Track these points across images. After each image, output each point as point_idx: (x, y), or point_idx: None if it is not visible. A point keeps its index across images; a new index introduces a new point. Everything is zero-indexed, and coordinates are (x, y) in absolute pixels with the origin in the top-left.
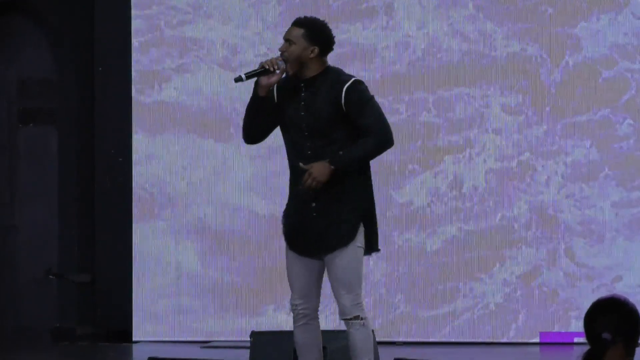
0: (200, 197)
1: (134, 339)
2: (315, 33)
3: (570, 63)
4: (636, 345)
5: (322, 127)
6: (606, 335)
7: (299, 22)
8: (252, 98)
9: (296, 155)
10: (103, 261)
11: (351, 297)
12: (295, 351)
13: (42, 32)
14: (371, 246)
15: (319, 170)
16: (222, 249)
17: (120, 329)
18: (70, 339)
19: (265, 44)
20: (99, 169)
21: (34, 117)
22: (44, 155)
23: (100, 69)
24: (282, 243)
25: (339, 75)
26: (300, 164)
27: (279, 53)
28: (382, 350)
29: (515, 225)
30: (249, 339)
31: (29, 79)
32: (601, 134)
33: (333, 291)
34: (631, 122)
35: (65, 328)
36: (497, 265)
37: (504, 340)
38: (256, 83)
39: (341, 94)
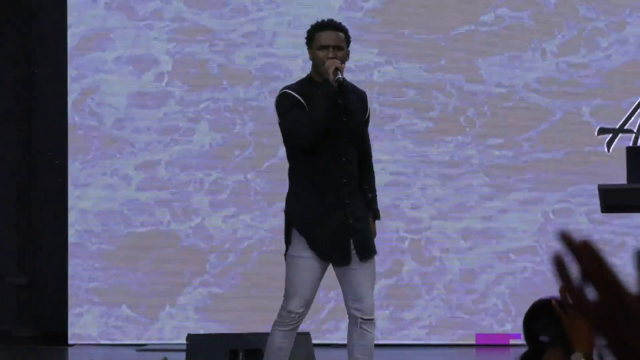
0: None
1: (70, 342)
2: (349, 37)
3: None
4: (574, 349)
5: (360, 133)
6: (544, 338)
7: (338, 27)
8: (329, 100)
9: (331, 162)
10: (40, 264)
11: (374, 298)
12: (233, 353)
13: None
14: None
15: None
16: (152, 253)
17: (56, 332)
18: (7, 341)
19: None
20: (36, 171)
21: None
22: None
23: (36, 71)
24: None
25: (351, 84)
26: None
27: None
28: (317, 352)
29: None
30: (184, 341)
31: None
32: None
33: (358, 292)
34: None
35: (1, 331)
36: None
37: (440, 342)
38: (329, 84)
39: (366, 103)
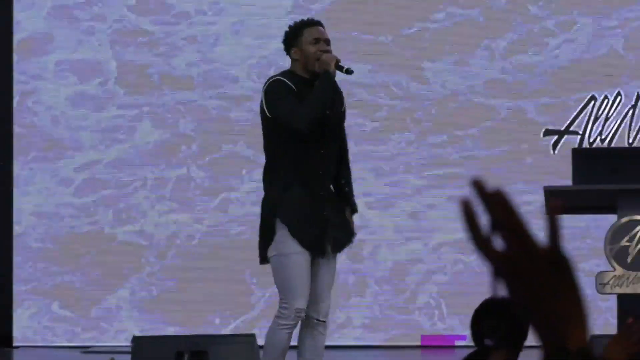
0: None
1: (15, 344)
2: None
3: None
4: (520, 351)
5: (340, 126)
6: (488, 342)
7: (322, 24)
8: (330, 88)
9: (315, 154)
10: None
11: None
12: (178, 354)
13: None
14: None
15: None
16: (93, 253)
17: (1, 334)
18: None
19: None
20: None
21: None
22: None
23: None
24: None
25: None
26: None
27: (319, 54)
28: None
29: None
30: (129, 343)
31: None
32: None
33: (318, 293)
34: None
35: None
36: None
37: (385, 343)
38: (331, 74)
39: (343, 99)
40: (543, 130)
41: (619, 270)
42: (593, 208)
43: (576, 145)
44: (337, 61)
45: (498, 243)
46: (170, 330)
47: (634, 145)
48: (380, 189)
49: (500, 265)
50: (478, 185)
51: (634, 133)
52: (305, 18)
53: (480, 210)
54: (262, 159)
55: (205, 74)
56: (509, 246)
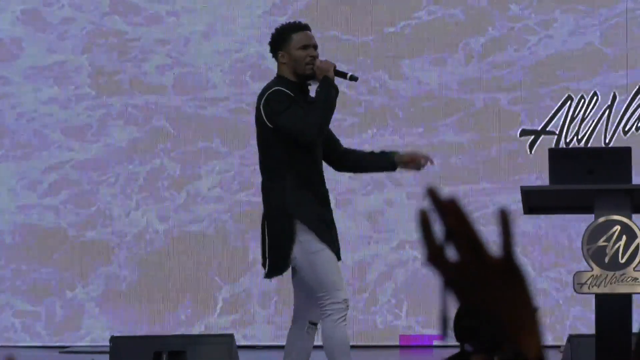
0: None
1: None
2: None
3: None
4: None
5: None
6: (468, 348)
7: (309, 27)
8: (335, 94)
9: (317, 158)
10: None
11: None
12: (156, 355)
13: None
14: None
15: None
16: (61, 251)
17: None
18: None
19: None
20: None
21: None
22: None
23: None
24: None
25: None
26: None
27: (310, 59)
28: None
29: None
30: (108, 343)
31: None
32: None
33: (314, 295)
34: None
35: None
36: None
37: (363, 343)
38: (332, 80)
39: None
40: (520, 130)
41: (597, 270)
42: (570, 208)
43: (553, 145)
44: (334, 67)
45: (451, 254)
46: (143, 329)
47: (611, 145)
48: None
49: (452, 276)
50: (432, 194)
51: (610, 133)
52: (292, 21)
53: (436, 219)
54: (231, 157)
55: (179, 76)
56: (462, 255)
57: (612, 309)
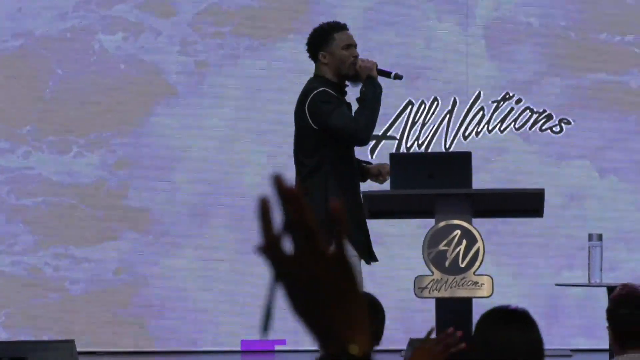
0: None
1: None
2: None
3: None
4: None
5: None
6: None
7: (348, 27)
8: (380, 93)
9: (352, 160)
10: None
11: None
12: None
13: None
14: None
15: None
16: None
17: None
18: None
19: None
20: None
21: None
22: None
23: None
24: None
25: None
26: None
27: (353, 59)
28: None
29: None
30: None
31: None
32: None
33: None
34: None
35: None
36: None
37: (204, 348)
38: (376, 79)
39: None
40: None
41: (437, 274)
42: (412, 212)
43: (394, 150)
44: (376, 65)
45: (286, 246)
46: None
47: (451, 150)
48: None
49: (284, 269)
50: (277, 182)
51: (451, 138)
52: (332, 21)
53: (277, 208)
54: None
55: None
56: (297, 247)
57: (452, 312)
